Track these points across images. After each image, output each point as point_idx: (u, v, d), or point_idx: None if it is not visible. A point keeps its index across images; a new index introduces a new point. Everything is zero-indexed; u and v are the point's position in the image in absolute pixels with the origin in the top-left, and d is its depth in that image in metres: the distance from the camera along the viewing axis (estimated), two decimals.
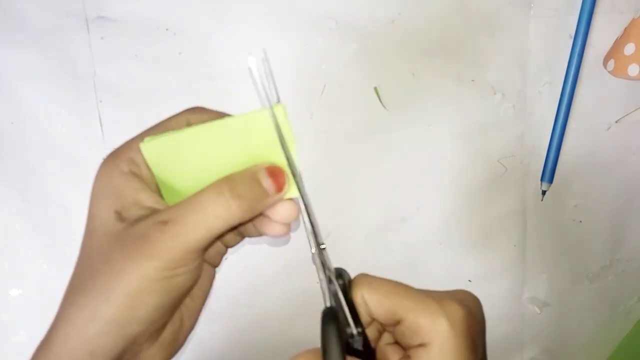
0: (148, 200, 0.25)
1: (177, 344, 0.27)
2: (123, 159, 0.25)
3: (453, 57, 0.48)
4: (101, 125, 0.45)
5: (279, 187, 0.25)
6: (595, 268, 0.54)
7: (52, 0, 0.44)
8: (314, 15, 0.46)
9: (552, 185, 0.51)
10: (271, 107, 0.24)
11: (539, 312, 0.53)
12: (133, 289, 0.23)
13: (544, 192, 0.51)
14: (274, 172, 0.25)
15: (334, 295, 0.24)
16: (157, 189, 0.26)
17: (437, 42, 0.48)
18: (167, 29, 0.45)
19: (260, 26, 0.46)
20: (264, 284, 0.49)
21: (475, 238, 0.51)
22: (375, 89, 0.48)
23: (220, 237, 0.26)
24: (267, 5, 0.46)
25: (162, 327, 0.26)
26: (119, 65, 0.45)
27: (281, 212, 0.26)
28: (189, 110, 0.27)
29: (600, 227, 0.53)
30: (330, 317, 0.22)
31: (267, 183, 0.24)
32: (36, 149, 0.45)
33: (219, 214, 0.23)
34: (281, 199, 0.25)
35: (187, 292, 0.26)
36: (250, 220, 0.26)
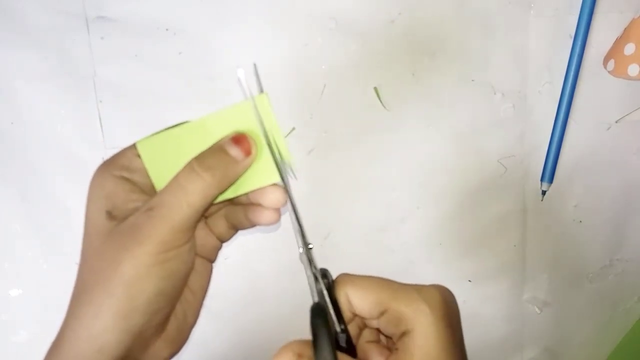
0: (138, 200, 0.26)
1: (181, 339, 0.28)
2: (116, 166, 0.26)
3: (453, 57, 0.48)
4: (101, 125, 0.45)
5: (246, 152, 0.26)
6: (595, 268, 0.54)
7: (52, 0, 0.44)
8: (314, 15, 0.46)
9: (552, 185, 0.51)
10: (253, 97, 0.26)
11: (539, 312, 0.53)
12: (130, 278, 0.23)
13: (544, 192, 0.51)
14: (239, 139, 0.26)
15: (320, 294, 0.25)
16: (149, 192, 0.27)
17: (437, 42, 0.48)
18: (167, 29, 0.45)
19: (260, 26, 0.46)
20: (263, 284, 0.49)
21: (475, 238, 0.51)
22: (375, 89, 0.48)
23: (204, 212, 0.27)
24: (267, 5, 0.46)
25: (165, 320, 0.27)
26: (119, 65, 0.45)
27: (270, 196, 0.27)
28: (182, 123, 0.28)
29: (600, 227, 0.53)
30: (319, 312, 0.23)
31: (234, 151, 0.25)
32: (36, 149, 0.45)
33: (196, 189, 0.24)
34: (251, 163, 0.26)
35: (183, 279, 0.27)
36: (234, 199, 0.27)
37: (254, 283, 0.49)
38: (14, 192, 0.45)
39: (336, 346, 0.24)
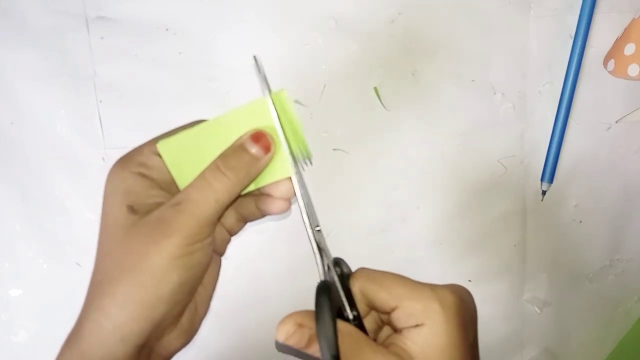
0: (158, 196, 0.27)
1: (192, 330, 0.29)
2: (133, 163, 0.27)
3: (453, 57, 0.48)
4: (101, 125, 0.45)
5: (266, 149, 0.26)
6: (595, 268, 0.54)
7: (52, 0, 0.44)
8: (314, 15, 0.46)
9: (552, 185, 0.51)
10: (270, 93, 0.26)
11: (539, 312, 0.53)
12: (158, 268, 0.24)
13: (544, 192, 0.51)
14: (258, 137, 0.26)
15: (332, 281, 0.26)
16: (166, 189, 0.28)
17: (437, 42, 0.48)
18: (167, 29, 0.45)
19: (260, 26, 0.46)
20: (264, 285, 0.49)
21: (475, 238, 0.52)
22: (375, 89, 0.48)
23: (228, 207, 0.28)
24: (267, 5, 0.46)
25: (182, 310, 0.28)
26: (119, 65, 0.45)
27: (282, 188, 0.28)
28: (195, 123, 0.28)
29: (600, 227, 0.53)
30: (324, 288, 0.24)
31: (254, 149, 0.26)
32: (36, 149, 0.45)
33: (222, 186, 0.26)
34: (271, 158, 0.27)
35: (204, 270, 0.28)
36: (251, 193, 0.29)
37: (255, 283, 0.49)
38: (14, 192, 0.45)
39: (338, 317, 0.24)
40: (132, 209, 0.26)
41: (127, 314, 0.24)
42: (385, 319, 0.26)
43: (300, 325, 0.24)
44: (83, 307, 0.26)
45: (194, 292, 0.28)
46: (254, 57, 0.26)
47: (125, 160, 0.27)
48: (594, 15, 0.48)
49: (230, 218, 0.30)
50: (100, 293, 0.25)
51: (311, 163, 0.28)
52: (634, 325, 0.56)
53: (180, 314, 0.28)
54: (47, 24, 0.44)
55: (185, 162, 0.27)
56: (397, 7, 0.47)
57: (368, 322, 0.27)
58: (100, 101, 0.45)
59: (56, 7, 0.44)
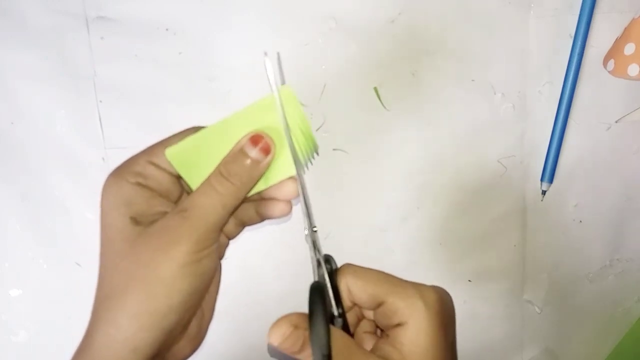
0: (160, 205, 0.27)
1: (200, 336, 0.29)
2: (129, 173, 0.27)
3: (453, 57, 0.48)
4: (101, 125, 0.45)
5: (266, 151, 0.26)
6: (595, 268, 0.54)
7: (52, 0, 0.44)
8: (314, 15, 0.46)
9: (552, 185, 0.51)
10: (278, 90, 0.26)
11: (539, 312, 0.53)
12: (168, 277, 0.24)
13: (544, 192, 0.51)
14: (256, 140, 0.26)
15: (321, 277, 0.26)
16: (166, 197, 0.27)
17: (437, 42, 0.48)
18: (167, 29, 0.45)
19: (260, 26, 0.46)
20: (264, 284, 0.49)
21: (475, 238, 0.51)
22: (375, 89, 0.48)
23: (232, 212, 0.28)
24: (267, 5, 0.46)
25: (192, 318, 0.28)
26: (119, 65, 0.45)
27: (285, 190, 0.28)
28: (188, 130, 0.28)
29: (600, 227, 0.53)
30: (318, 289, 0.24)
31: (254, 153, 0.26)
32: (36, 149, 0.45)
33: (227, 192, 0.26)
34: (272, 160, 0.27)
35: (212, 276, 0.28)
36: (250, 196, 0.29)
37: (254, 283, 0.49)
38: (14, 192, 0.45)
39: (330, 321, 0.25)
40: (135, 221, 0.26)
41: (138, 325, 0.24)
42: (369, 315, 0.27)
43: (296, 327, 0.24)
44: (91, 321, 0.25)
45: (202, 300, 0.28)
46: (265, 53, 0.26)
47: (120, 171, 0.27)
48: (594, 15, 0.48)
49: (229, 223, 0.30)
50: (109, 306, 0.25)
51: (317, 154, 0.28)
52: (634, 325, 0.56)
53: (189, 322, 0.28)
54: (47, 24, 0.44)
55: (196, 166, 0.27)
56: (397, 7, 0.47)
57: (349, 316, 0.27)
58: (100, 101, 0.45)
59: (56, 7, 0.44)
